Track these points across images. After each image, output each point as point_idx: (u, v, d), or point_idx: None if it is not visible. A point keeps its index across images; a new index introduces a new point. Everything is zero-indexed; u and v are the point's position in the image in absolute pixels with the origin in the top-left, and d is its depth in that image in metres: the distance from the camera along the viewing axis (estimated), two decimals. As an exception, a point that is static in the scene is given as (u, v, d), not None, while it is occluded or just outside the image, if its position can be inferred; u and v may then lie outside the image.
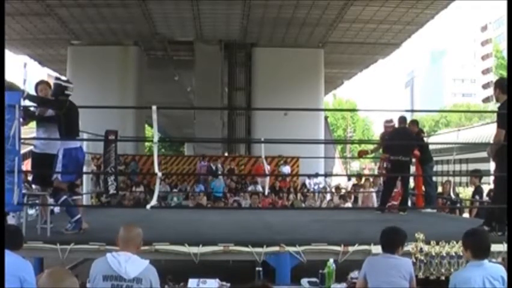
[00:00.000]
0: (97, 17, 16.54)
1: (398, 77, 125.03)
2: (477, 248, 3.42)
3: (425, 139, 8.91)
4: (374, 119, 55.46)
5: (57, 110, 5.34)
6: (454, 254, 4.45)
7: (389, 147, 8.22)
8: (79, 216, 5.35)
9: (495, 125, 5.55)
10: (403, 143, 7.92)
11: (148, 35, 18.60)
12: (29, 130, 7.07)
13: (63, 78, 5.64)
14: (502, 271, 3.40)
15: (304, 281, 4.75)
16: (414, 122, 8.82)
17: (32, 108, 5.61)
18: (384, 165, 8.74)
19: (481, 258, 3.39)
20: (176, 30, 18.44)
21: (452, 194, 9.76)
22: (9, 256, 3.33)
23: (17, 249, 3.50)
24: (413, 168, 9.27)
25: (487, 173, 13.64)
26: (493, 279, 3.30)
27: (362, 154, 10.50)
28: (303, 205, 13.34)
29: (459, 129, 11.24)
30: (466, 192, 22.04)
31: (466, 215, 10.36)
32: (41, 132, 5.62)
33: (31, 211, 8.18)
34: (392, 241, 3.81)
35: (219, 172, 16.24)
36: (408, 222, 6.24)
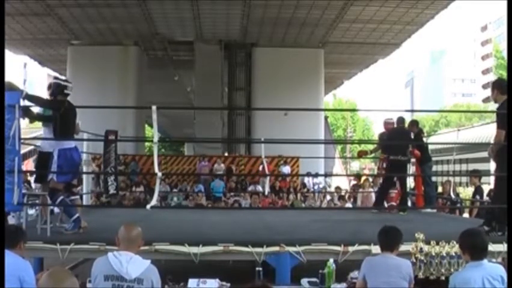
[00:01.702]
0: (97, 17, 16.54)
1: (398, 77, 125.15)
2: (474, 249, 3.43)
3: (424, 139, 8.92)
4: (374, 119, 55.43)
5: (55, 110, 5.33)
6: (454, 254, 4.45)
7: (387, 147, 8.26)
8: (77, 215, 5.35)
9: (495, 125, 5.56)
10: (401, 143, 7.96)
11: (148, 35, 18.60)
12: (29, 130, 7.08)
13: (62, 77, 5.62)
14: (501, 271, 3.41)
15: (304, 281, 4.75)
16: (414, 123, 8.82)
17: (32, 108, 5.60)
18: (383, 165, 8.75)
19: (479, 259, 3.39)
20: (176, 30, 18.44)
21: (452, 194, 9.75)
22: (9, 256, 3.33)
23: (14, 247, 3.48)
24: (412, 168, 9.28)
25: (487, 173, 13.63)
26: (493, 279, 3.31)
27: (361, 154, 10.50)
28: (303, 205, 13.34)
29: (459, 129, 11.20)
30: (466, 192, 22.01)
31: (465, 215, 10.36)
32: (46, 131, 5.64)
33: (31, 211, 8.19)
34: (390, 240, 3.83)
35: (221, 172, 16.24)
36: (408, 222, 6.25)
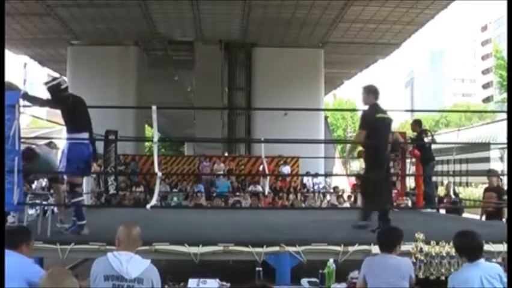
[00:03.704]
0: (97, 17, 16.54)
1: (398, 77, 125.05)
2: (470, 250, 3.44)
3: (426, 139, 8.85)
4: (373, 119, 55.20)
5: (61, 106, 5.27)
6: (454, 254, 4.44)
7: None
8: (84, 222, 5.31)
9: (495, 125, 5.60)
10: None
11: (148, 35, 18.61)
12: (29, 130, 7.08)
13: (49, 79, 5.53)
14: (499, 269, 3.42)
15: (304, 281, 4.75)
16: (417, 122, 8.82)
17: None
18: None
19: (476, 259, 3.40)
20: (176, 30, 18.45)
21: (452, 194, 9.72)
22: (13, 257, 3.32)
23: (16, 248, 3.48)
24: (413, 168, 9.27)
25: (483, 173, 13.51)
26: (491, 277, 3.31)
27: (362, 155, 10.44)
28: (303, 205, 13.33)
29: (459, 129, 11.19)
30: (466, 192, 21.99)
31: (467, 215, 10.32)
32: None
33: (31, 211, 8.19)
34: (389, 241, 3.82)
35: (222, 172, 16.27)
36: (408, 222, 6.24)
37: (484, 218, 8.27)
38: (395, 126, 8.85)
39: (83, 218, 5.32)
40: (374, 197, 5.92)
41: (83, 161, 5.34)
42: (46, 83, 5.32)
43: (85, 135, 5.35)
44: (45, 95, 5.45)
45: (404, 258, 3.85)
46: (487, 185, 9.13)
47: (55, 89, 5.24)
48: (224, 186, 14.94)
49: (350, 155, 6.87)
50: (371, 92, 5.93)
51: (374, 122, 5.74)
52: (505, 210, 8.04)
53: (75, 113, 5.26)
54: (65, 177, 5.58)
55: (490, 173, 9.26)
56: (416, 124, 8.73)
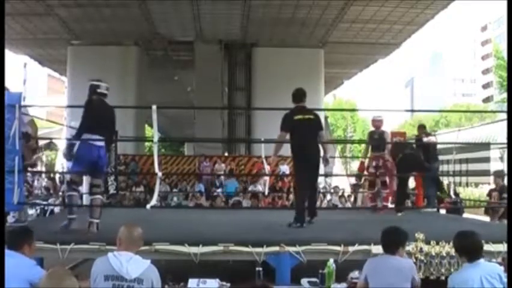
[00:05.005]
0: (97, 17, 16.54)
1: (398, 77, 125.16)
2: (470, 250, 3.43)
3: (426, 139, 8.84)
4: (373, 119, 55.20)
5: (84, 106, 5.43)
6: (454, 254, 4.45)
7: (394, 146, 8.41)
8: (73, 216, 5.34)
9: (495, 125, 5.60)
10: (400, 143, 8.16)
11: (148, 35, 18.61)
12: (29, 130, 7.06)
13: (97, 78, 5.72)
14: (499, 269, 3.42)
15: (304, 281, 4.75)
16: (422, 127, 9.00)
17: None
18: (374, 164, 8.58)
19: (476, 259, 3.40)
20: (176, 30, 18.44)
21: (452, 194, 9.72)
22: (15, 257, 3.31)
23: (18, 249, 3.48)
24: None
25: (486, 172, 13.55)
26: (491, 277, 3.31)
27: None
28: (303, 205, 13.29)
29: (459, 129, 11.18)
30: (467, 192, 21.97)
31: (468, 215, 10.32)
32: None
33: (31, 211, 8.20)
34: (392, 242, 3.78)
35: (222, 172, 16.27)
36: (408, 222, 6.24)
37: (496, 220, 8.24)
38: (394, 126, 8.80)
39: (72, 212, 5.38)
40: (298, 195, 6.43)
41: (90, 161, 5.39)
42: (91, 80, 5.58)
43: (97, 137, 5.43)
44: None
45: (406, 259, 3.83)
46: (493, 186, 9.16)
47: (92, 87, 5.50)
48: (232, 187, 14.94)
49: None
50: (292, 97, 6.39)
51: (293, 124, 6.09)
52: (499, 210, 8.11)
53: (90, 115, 5.39)
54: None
55: (493, 174, 9.32)
56: (421, 128, 9.00)
